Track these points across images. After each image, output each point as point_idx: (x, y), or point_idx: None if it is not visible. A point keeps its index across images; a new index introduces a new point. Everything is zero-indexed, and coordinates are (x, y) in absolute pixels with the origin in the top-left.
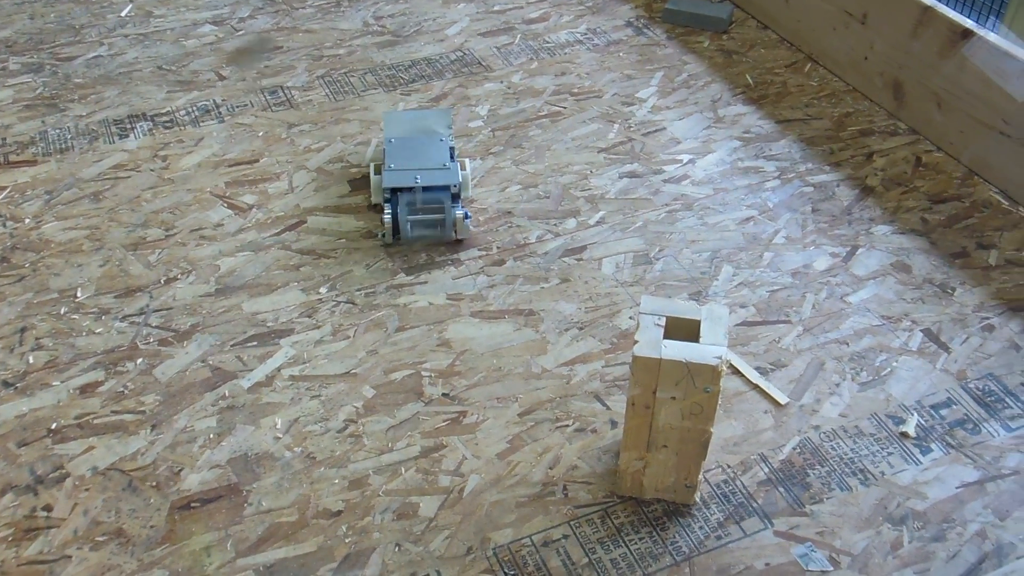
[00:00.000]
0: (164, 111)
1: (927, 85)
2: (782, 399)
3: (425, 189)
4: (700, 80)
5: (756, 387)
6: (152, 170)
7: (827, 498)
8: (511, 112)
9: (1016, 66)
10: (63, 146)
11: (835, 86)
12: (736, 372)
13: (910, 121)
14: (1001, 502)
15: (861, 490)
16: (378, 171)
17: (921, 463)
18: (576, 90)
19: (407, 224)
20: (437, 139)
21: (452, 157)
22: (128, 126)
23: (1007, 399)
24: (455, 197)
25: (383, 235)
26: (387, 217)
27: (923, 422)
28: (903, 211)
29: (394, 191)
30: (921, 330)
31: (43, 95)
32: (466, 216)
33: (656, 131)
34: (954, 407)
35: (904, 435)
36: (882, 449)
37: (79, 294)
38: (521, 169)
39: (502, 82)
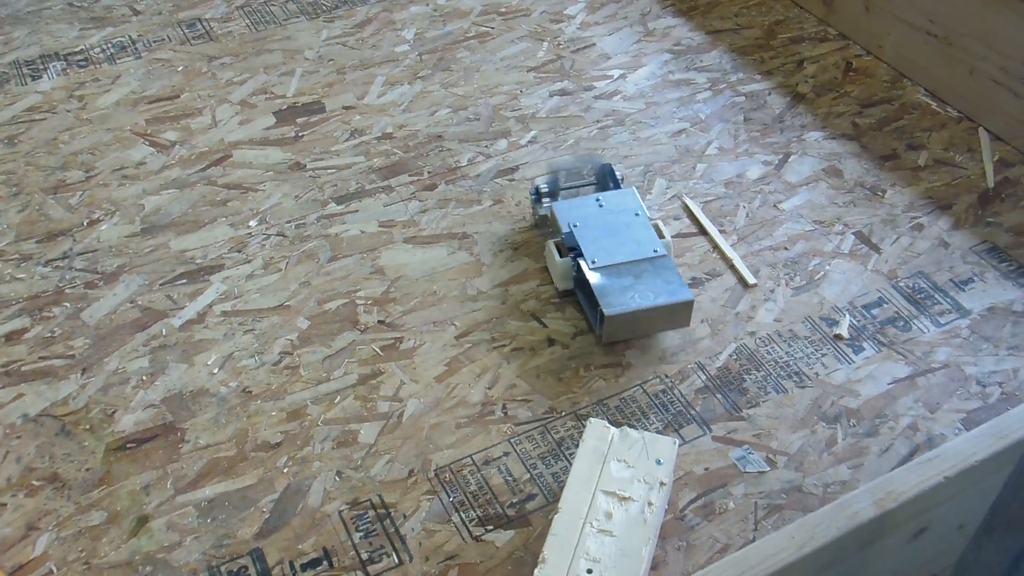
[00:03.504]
0: (78, 50)
1: None
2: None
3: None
4: None
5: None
6: (68, 111)
7: (763, 401)
8: (438, 35)
9: None
10: None
11: None
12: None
13: (839, 26)
14: (931, 395)
15: (796, 392)
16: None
17: (854, 362)
18: (503, 9)
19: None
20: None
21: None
22: (41, 67)
23: (936, 295)
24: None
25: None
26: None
27: (855, 322)
28: (834, 116)
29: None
30: (853, 233)
31: None
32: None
33: (585, 47)
34: (885, 306)
35: (838, 337)
36: (816, 351)
37: None
38: (450, 92)
39: (428, 4)
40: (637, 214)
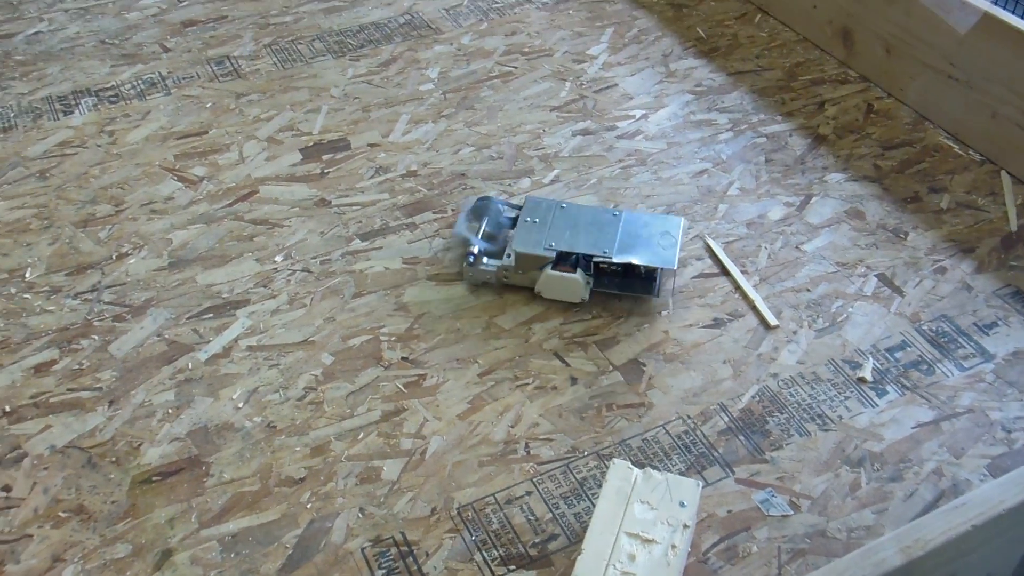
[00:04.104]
0: (109, 86)
1: (875, 31)
2: (772, 320)
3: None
4: (651, 35)
5: (717, 334)
6: (99, 146)
7: (786, 444)
8: (462, 74)
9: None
10: (6, 125)
11: (786, 36)
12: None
13: (860, 68)
14: (956, 440)
15: (819, 435)
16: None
17: (877, 405)
18: (527, 50)
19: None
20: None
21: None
22: (72, 102)
23: (960, 339)
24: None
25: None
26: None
27: (879, 365)
28: (855, 158)
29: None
30: (875, 275)
31: None
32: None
33: (608, 88)
34: (908, 349)
35: (861, 380)
36: (839, 394)
37: (29, 274)
38: (474, 131)
39: (452, 44)
40: (563, 206)
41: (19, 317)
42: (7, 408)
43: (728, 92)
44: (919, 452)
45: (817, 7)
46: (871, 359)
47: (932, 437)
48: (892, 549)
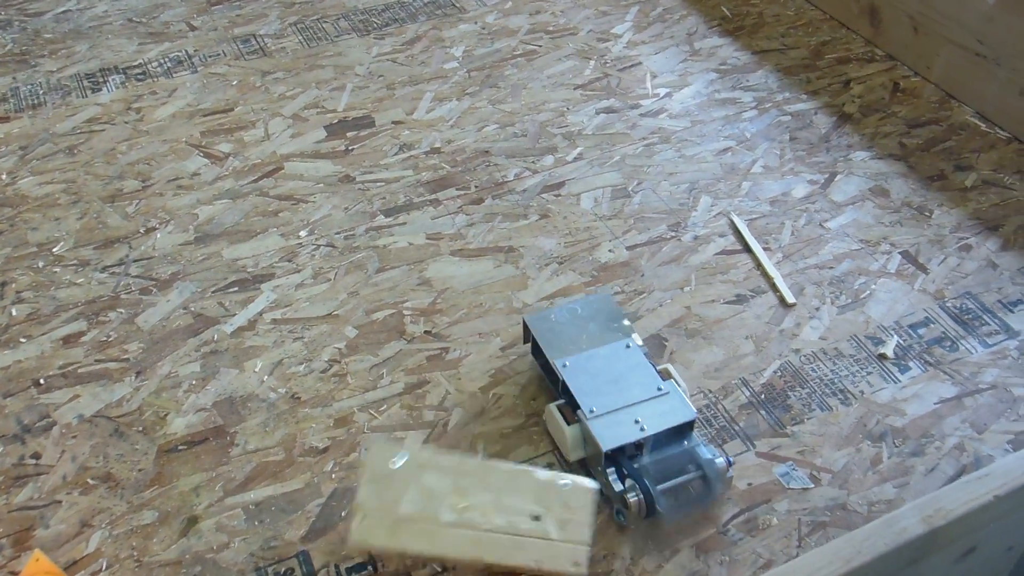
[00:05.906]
0: (136, 63)
1: (903, 8)
2: (790, 297)
3: (656, 439)
4: (675, 14)
5: (739, 310)
6: (126, 122)
7: (808, 419)
8: (486, 52)
9: None
10: (35, 101)
11: (811, 15)
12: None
13: (887, 47)
14: (979, 416)
15: (841, 410)
16: (565, 415)
17: (900, 381)
18: (551, 28)
19: (659, 499)
20: (622, 346)
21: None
22: (100, 80)
23: (984, 316)
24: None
25: (621, 515)
26: (632, 498)
27: (902, 342)
28: (881, 137)
29: (616, 453)
30: (899, 252)
31: (12, 51)
32: (729, 463)
33: (632, 66)
34: (932, 326)
35: (882, 356)
36: (861, 369)
37: (58, 247)
38: (498, 108)
39: (476, 23)
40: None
41: (48, 290)
42: (37, 378)
43: (753, 71)
44: (941, 427)
45: None
46: (894, 336)
47: (954, 413)
48: (914, 518)
